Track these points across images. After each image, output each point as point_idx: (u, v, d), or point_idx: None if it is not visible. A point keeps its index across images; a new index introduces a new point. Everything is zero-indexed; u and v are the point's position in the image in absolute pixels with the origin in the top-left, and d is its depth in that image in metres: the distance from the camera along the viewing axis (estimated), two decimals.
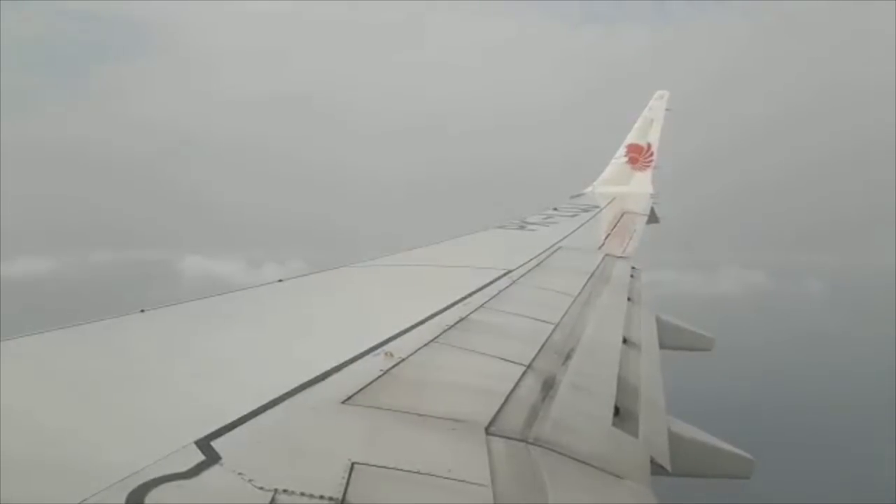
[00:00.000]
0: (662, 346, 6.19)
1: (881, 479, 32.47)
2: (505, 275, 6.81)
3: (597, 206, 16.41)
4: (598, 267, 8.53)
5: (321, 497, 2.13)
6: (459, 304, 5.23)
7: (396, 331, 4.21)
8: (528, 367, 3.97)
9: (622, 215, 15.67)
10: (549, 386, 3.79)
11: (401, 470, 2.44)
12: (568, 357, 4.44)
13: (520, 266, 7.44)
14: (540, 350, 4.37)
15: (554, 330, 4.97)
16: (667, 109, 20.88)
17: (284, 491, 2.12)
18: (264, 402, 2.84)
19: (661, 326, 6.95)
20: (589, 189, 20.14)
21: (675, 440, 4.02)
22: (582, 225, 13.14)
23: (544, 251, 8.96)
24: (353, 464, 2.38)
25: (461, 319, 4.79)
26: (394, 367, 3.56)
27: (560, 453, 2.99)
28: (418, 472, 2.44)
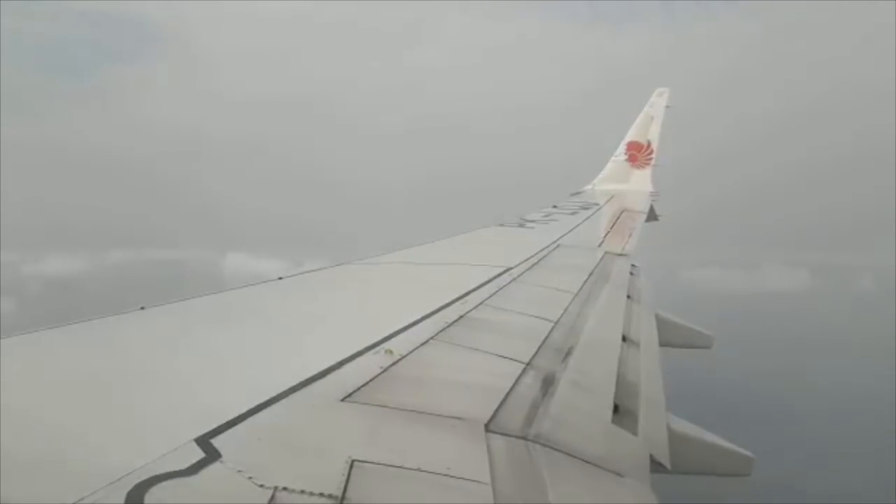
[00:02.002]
0: (662, 343, 6.19)
1: (881, 479, 32.46)
2: (505, 272, 6.81)
3: (596, 204, 16.41)
4: (597, 265, 8.53)
5: (321, 494, 2.13)
6: (459, 302, 5.23)
7: (396, 328, 4.21)
8: (528, 364, 3.97)
9: (621, 213, 15.68)
10: (548, 383, 3.79)
11: (401, 467, 2.44)
12: (567, 355, 4.44)
13: (519, 263, 7.45)
14: (539, 348, 4.37)
15: (553, 327, 4.97)
16: (667, 107, 20.85)
17: (284, 488, 2.12)
18: (264, 399, 2.84)
19: (661, 324, 6.96)
20: (589, 187, 20.14)
21: (674, 438, 4.02)
22: (581, 222, 13.15)
23: (544, 249, 8.97)
24: (353, 461, 2.38)
25: (461, 317, 4.79)
26: (393, 364, 3.56)
27: (560, 451, 2.99)
28: (418, 470, 2.44)
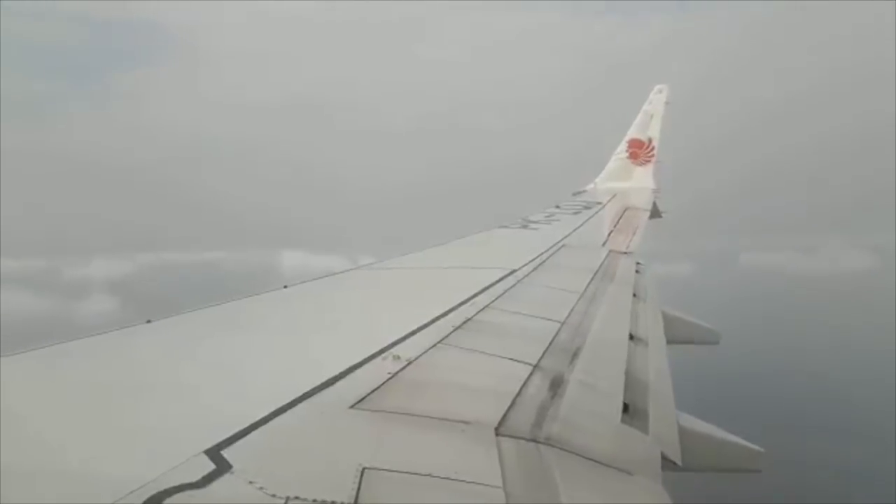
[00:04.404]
0: (669, 340, 6.17)
1: (882, 478, 32.17)
2: (510, 274, 6.81)
3: (599, 203, 16.38)
4: (602, 264, 8.52)
5: (332, 502, 2.13)
6: (465, 305, 5.22)
7: (403, 333, 4.21)
8: (536, 366, 3.97)
9: (624, 211, 15.64)
10: (557, 385, 3.78)
11: (411, 473, 2.44)
12: (575, 355, 4.44)
13: (524, 265, 7.44)
14: (547, 349, 4.36)
15: (560, 328, 4.96)
16: (666, 103, 20.83)
17: (296, 498, 2.12)
18: (273, 409, 2.84)
19: (668, 321, 6.94)
20: (591, 185, 20.11)
21: (684, 435, 4.01)
22: (585, 222, 13.12)
23: (548, 249, 8.95)
24: (363, 468, 2.38)
25: (467, 320, 4.79)
26: (402, 369, 3.56)
27: (570, 452, 2.98)
28: (429, 475, 2.44)
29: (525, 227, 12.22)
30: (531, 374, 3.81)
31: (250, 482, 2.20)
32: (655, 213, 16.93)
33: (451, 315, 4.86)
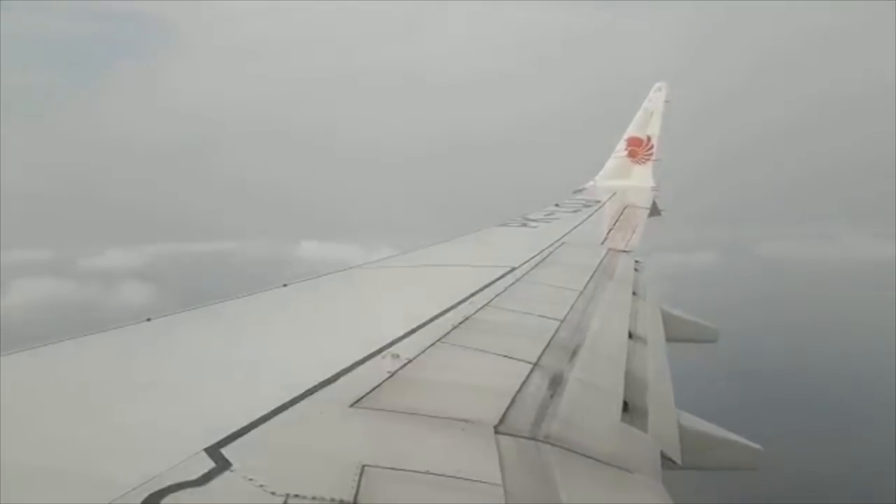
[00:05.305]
0: (668, 338, 6.18)
1: (881, 476, 32.16)
2: (509, 272, 6.80)
3: (598, 201, 16.38)
4: (601, 262, 8.52)
5: (332, 500, 2.14)
6: (464, 303, 5.22)
7: (403, 332, 4.21)
8: (536, 364, 3.97)
9: (624, 209, 15.64)
10: (556, 383, 3.78)
11: (411, 471, 2.44)
12: (575, 353, 4.44)
13: (523, 263, 7.44)
14: (546, 347, 4.36)
15: (560, 326, 4.96)
16: (666, 101, 20.82)
17: (296, 495, 2.12)
18: (273, 407, 2.84)
19: (666, 319, 6.94)
20: (590, 184, 20.10)
21: (684, 433, 4.02)
22: (584, 220, 13.11)
23: (547, 247, 8.95)
24: (363, 466, 2.38)
25: (466, 318, 4.78)
26: (401, 368, 3.56)
27: (570, 450, 2.99)
28: (428, 473, 2.44)
29: (525, 224, 12.21)
30: (531, 373, 3.81)
31: (250, 480, 2.20)
32: (655, 211, 16.94)
33: (450, 313, 4.86)
